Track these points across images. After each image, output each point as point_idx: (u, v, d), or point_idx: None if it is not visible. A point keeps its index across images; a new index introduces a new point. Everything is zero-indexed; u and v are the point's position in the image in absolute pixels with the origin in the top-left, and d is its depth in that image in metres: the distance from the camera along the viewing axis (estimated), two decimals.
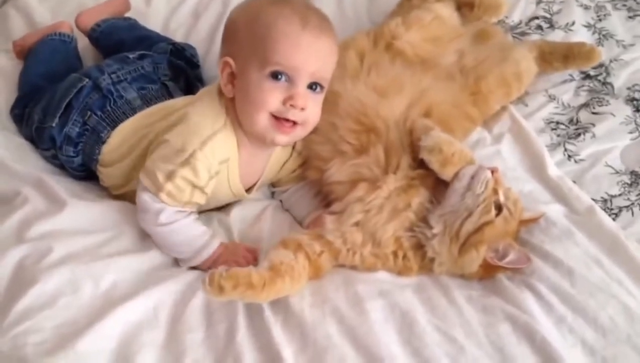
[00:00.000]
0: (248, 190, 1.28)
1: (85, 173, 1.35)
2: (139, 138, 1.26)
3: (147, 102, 1.33)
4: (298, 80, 1.12)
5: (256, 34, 1.11)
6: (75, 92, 1.33)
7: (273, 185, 1.38)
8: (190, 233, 1.19)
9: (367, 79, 1.34)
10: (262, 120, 1.14)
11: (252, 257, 1.20)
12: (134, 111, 1.30)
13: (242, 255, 1.20)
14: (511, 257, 1.13)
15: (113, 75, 1.35)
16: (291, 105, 1.12)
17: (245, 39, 1.13)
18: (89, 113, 1.31)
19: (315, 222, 1.27)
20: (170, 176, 1.13)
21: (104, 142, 1.28)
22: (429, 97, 1.31)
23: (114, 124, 1.29)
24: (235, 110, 1.17)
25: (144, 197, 1.16)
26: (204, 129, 1.15)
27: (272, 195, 1.39)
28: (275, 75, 1.11)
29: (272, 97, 1.12)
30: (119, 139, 1.28)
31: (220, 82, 1.18)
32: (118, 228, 1.20)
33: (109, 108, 1.31)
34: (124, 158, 1.27)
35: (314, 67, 1.12)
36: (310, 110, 1.15)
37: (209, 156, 1.14)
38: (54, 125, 1.32)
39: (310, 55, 1.11)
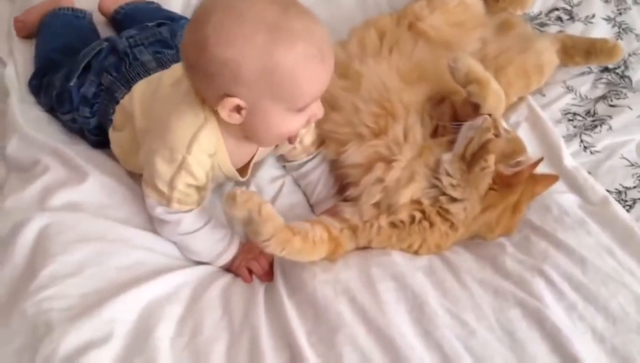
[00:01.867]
0: (242, 169, 1.26)
1: (101, 137, 1.36)
2: (136, 111, 1.26)
3: (162, 65, 1.33)
4: (315, 102, 1.10)
5: (277, 83, 1.02)
6: (94, 54, 1.36)
7: (284, 158, 1.37)
8: (210, 240, 1.21)
9: (389, 59, 1.34)
10: (282, 140, 1.16)
11: (268, 259, 1.22)
12: (147, 72, 1.31)
13: (260, 253, 1.21)
14: (521, 160, 1.16)
15: (130, 40, 1.37)
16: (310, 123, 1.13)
17: (259, 84, 1.02)
18: (104, 73, 1.33)
19: (329, 212, 1.27)
20: (171, 184, 1.13)
21: (117, 102, 1.30)
22: (451, 85, 1.31)
23: (128, 84, 1.30)
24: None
25: (159, 210, 1.17)
26: (186, 131, 1.11)
27: (284, 168, 1.38)
28: (302, 110, 1.09)
29: (298, 125, 1.11)
30: (126, 102, 1.29)
31: (217, 110, 1.06)
32: (141, 207, 1.22)
33: (124, 69, 1.33)
34: (125, 126, 1.28)
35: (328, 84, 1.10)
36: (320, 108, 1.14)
37: (199, 155, 1.12)
38: (72, 84, 1.34)
39: (327, 80, 1.09)
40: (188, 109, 1.12)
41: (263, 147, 1.23)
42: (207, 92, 1.07)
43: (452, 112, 1.27)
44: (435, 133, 1.26)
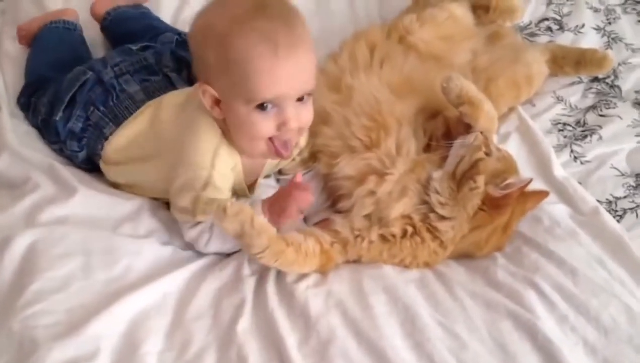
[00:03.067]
0: (250, 187, 1.28)
1: (91, 166, 1.35)
2: (139, 149, 1.26)
3: (149, 94, 1.32)
4: (286, 105, 1.10)
5: (231, 72, 1.07)
6: (79, 85, 1.33)
7: (279, 172, 1.38)
8: None
9: (380, 72, 1.35)
10: (260, 146, 1.15)
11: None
12: (136, 105, 1.30)
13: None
14: (510, 182, 1.15)
15: (116, 68, 1.35)
16: (285, 129, 1.12)
17: (219, 72, 1.09)
18: (92, 108, 1.31)
19: (321, 224, 1.27)
20: (196, 201, 1.14)
21: (106, 138, 1.29)
22: (441, 97, 1.32)
23: (116, 119, 1.29)
24: (226, 124, 1.16)
25: (191, 235, 1.18)
26: (206, 148, 1.15)
27: (277, 181, 1.38)
28: (262, 107, 1.10)
29: (265, 126, 1.11)
30: (120, 143, 1.28)
31: (200, 97, 1.14)
32: (129, 217, 1.21)
33: (111, 103, 1.31)
34: (125, 163, 1.28)
35: (297, 87, 1.10)
36: (303, 118, 1.14)
37: (223, 169, 1.15)
38: (57, 118, 1.32)
39: (290, 79, 1.09)
40: (206, 128, 1.16)
41: (253, 156, 1.22)
42: (199, 79, 1.14)
43: (445, 128, 1.27)
44: (428, 147, 1.26)
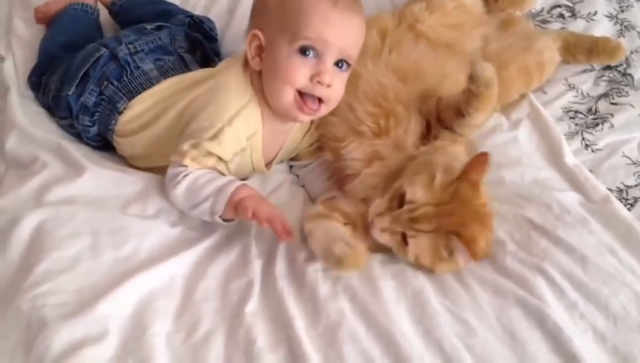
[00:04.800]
0: (267, 165, 1.29)
1: (101, 143, 1.36)
2: (160, 109, 1.26)
3: (164, 73, 1.33)
4: (326, 56, 1.13)
5: (287, 8, 1.13)
6: (93, 61, 1.33)
7: (291, 158, 1.39)
8: (210, 176, 1.15)
9: (388, 58, 1.33)
10: (288, 96, 1.15)
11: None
12: (150, 82, 1.31)
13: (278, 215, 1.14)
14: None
15: (130, 46, 1.35)
16: (318, 82, 1.13)
17: (275, 12, 1.14)
18: (105, 83, 1.31)
19: (324, 201, 1.27)
20: (195, 145, 1.14)
21: (120, 112, 1.29)
22: (450, 82, 1.31)
23: (130, 94, 1.30)
24: (261, 83, 1.18)
25: (170, 171, 1.16)
26: (232, 104, 1.17)
27: (290, 168, 1.40)
28: (304, 51, 1.12)
29: (300, 72, 1.13)
30: (138, 110, 1.29)
31: (247, 54, 1.18)
32: (138, 196, 1.21)
33: (125, 78, 1.31)
34: (143, 129, 1.28)
35: (342, 43, 1.13)
36: (335, 88, 1.16)
37: (238, 131, 1.16)
38: (70, 93, 1.32)
39: (339, 31, 1.12)
40: (237, 85, 1.18)
41: (279, 110, 1.19)
42: (248, 32, 1.18)
43: (436, 113, 1.26)
44: (428, 129, 1.26)
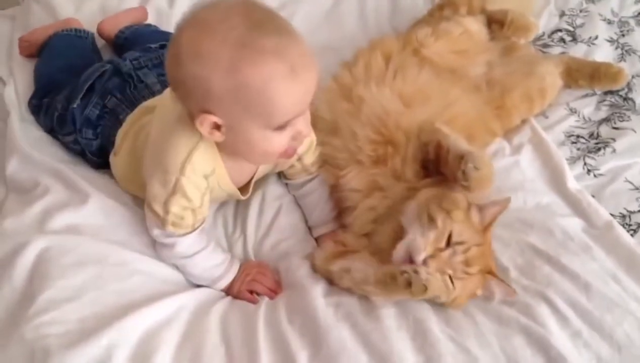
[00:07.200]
0: (244, 187, 1.25)
1: (103, 159, 1.35)
2: (137, 128, 1.26)
3: (166, 87, 1.29)
4: (300, 118, 1.06)
5: (247, 99, 0.98)
6: (98, 76, 1.36)
7: (285, 176, 1.35)
8: (208, 264, 1.20)
9: (392, 83, 1.34)
10: (273, 159, 1.15)
11: (269, 275, 1.22)
12: (152, 95, 1.31)
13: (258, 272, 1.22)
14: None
15: (135, 62, 1.38)
16: (299, 139, 1.09)
17: (231, 101, 0.99)
18: (109, 96, 1.33)
19: (328, 236, 1.28)
20: (165, 207, 1.11)
21: (121, 124, 1.30)
22: (454, 109, 1.31)
23: (132, 106, 1.30)
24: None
25: (156, 232, 1.16)
26: (179, 152, 1.08)
27: (286, 186, 1.36)
28: (282, 128, 1.04)
29: (282, 143, 1.07)
30: (125, 126, 1.29)
31: (197, 128, 1.04)
32: (143, 228, 1.20)
33: (129, 91, 1.33)
34: (131, 152, 1.27)
35: (309, 99, 1.05)
36: (309, 123, 1.11)
37: (193, 177, 1.09)
38: (75, 106, 1.34)
39: (305, 95, 1.03)
40: (182, 129, 1.08)
41: (257, 165, 1.21)
42: (190, 107, 1.04)
43: (435, 155, 1.19)
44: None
